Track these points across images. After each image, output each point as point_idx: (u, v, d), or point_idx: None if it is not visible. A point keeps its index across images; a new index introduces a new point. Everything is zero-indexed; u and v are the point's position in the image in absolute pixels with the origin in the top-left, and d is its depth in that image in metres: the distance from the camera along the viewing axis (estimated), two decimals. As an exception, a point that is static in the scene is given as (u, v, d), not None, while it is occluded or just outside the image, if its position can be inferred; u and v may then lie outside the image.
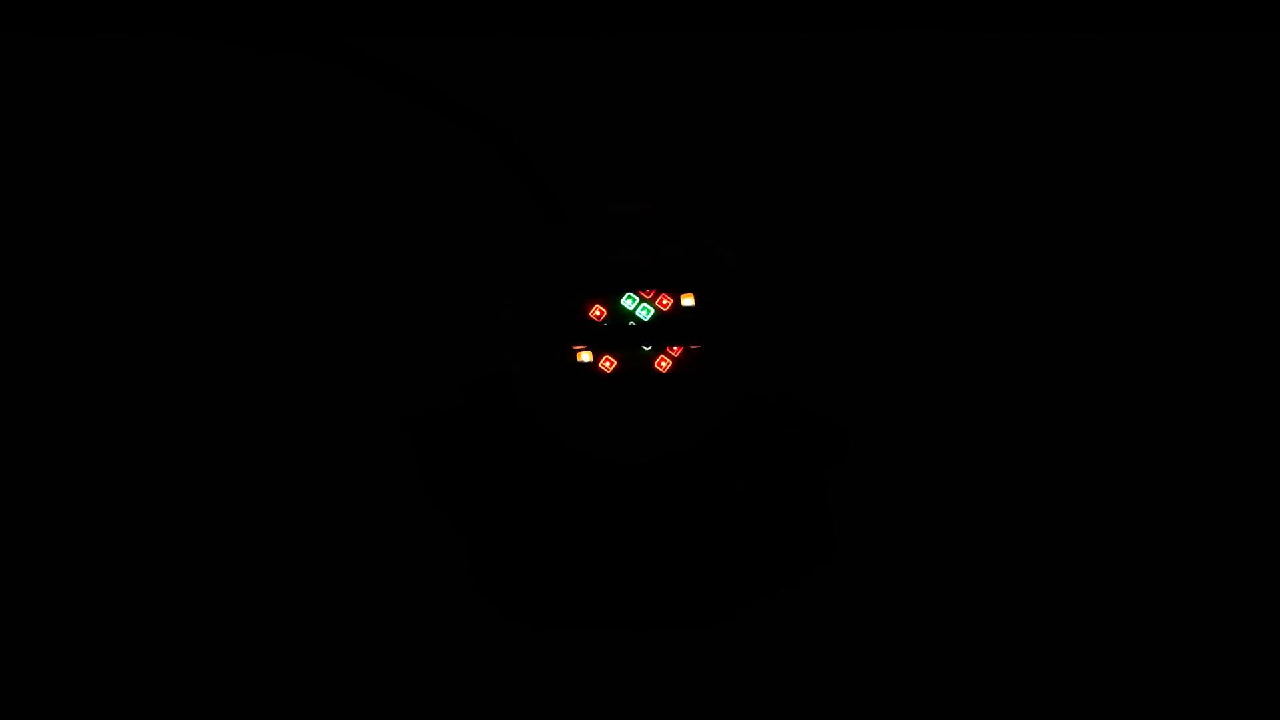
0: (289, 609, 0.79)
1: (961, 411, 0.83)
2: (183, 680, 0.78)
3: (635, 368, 0.78)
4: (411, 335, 0.83)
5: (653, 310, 0.78)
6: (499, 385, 0.80)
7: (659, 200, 0.82)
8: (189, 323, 0.84)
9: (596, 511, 0.80)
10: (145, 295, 0.84)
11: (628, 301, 0.78)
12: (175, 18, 0.86)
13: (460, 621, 0.79)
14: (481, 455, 0.80)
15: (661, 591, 0.79)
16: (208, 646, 0.79)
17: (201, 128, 0.86)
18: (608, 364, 0.78)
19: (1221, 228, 0.86)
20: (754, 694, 0.78)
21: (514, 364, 0.78)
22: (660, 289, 0.78)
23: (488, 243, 0.84)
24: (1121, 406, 0.83)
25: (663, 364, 0.78)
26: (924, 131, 0.87)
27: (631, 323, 0.78)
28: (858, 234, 0.86)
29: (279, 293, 0.84)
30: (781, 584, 0.80)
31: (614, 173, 0.86)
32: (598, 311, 0.78)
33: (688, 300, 0.78)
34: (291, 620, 0.79)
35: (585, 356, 0.78)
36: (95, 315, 0.84)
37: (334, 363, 0.83)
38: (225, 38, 0.86)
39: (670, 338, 0.78)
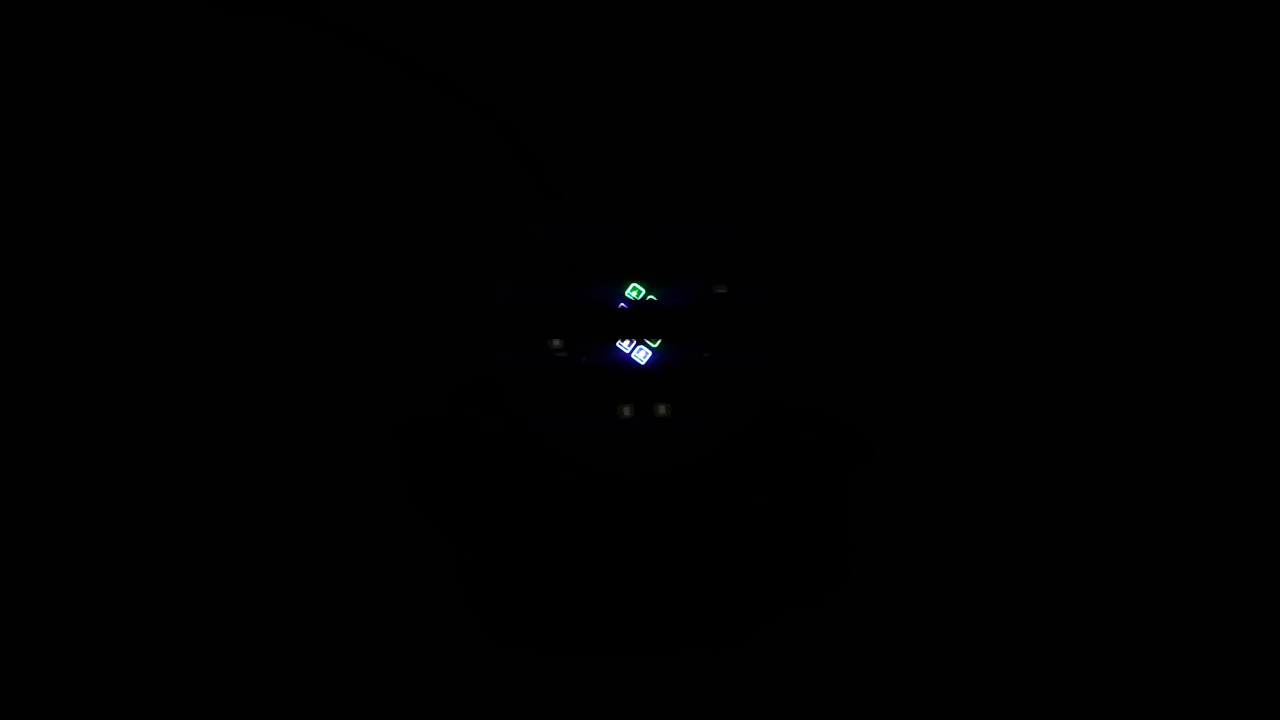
0: (259, 632, 0.76)
1: (1002, 416, 0.81)
2: (142, 708, 0.75)
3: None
4: (393, 331, 0.81)
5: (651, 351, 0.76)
6: (489, 385, 0.77)
7: (665, 184, 0.80)
8: (148, 317, 0.81)
9: (597, 525, 0.77)
10: (105, 286, 0.82)
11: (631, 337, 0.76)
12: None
13: (446, 647, 0.76)
14: (470, 462, 0.77)
15: (669, 615, 0.76)
16: (168, 675, 0.76)
17: (156, 103, 0.83)
18: (626, 410, 0.75)
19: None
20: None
21: (506, 372, 0.75)
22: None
23: (477, 229, 0.82)
24: (1183, 409, 0.81)
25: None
26: (966, 124, 0.85)
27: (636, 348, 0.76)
28: (888, 220, 0.84)
29: (248, 284, 0.82)
30: (801, 606, 0.77)
31: (616, 153, 0.84)
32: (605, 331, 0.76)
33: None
34: (262, 645, 0.76)
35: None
36: (53, 308, 0.81)
37: (308, 362, 0.81)
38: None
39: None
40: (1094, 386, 0.81)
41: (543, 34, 0.85)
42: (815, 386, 0.80)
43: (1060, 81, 0.85)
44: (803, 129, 0.84)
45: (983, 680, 0.76)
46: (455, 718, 0.75)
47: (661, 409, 0.75)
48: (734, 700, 0.76)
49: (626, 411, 0.75)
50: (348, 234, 0.82)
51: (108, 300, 0.81)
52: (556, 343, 0.75)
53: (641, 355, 0.76)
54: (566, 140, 0.83)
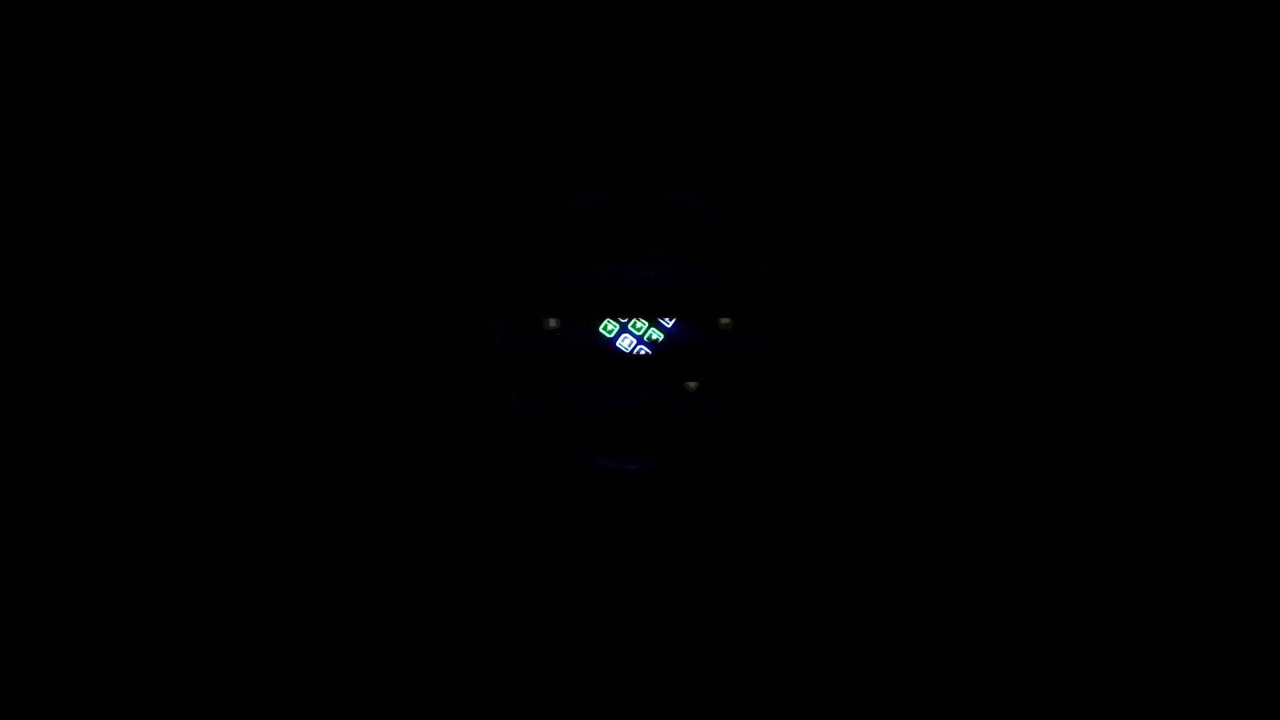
0: (259, 631, 0.76)
1: (1002, 416, 0.80)
2: (143, 707, 0.75)
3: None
4: (393, 331, 0.80)
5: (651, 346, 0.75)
6: (490, 386, 0.77)
7: (667, 186, 0.79)
8: (149, 317, 0.81)
9: (597, 525, 0.77)
10: (106, 287, 0.81)
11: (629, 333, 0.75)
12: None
13: (446, 647, 0.76)
14: (471, 463, 0.77)
15: (669, 614, 0.76)
16: (169, 675, 0.75)
17: (156, 103, 0.83)
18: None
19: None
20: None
21: (509, 381, 0.75)
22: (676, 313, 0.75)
23: (477, 230, 0.82)
24: (1181, 408, 0.80)
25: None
26: (965, 125, 0.84)
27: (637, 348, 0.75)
28: (888, 220, 0.83)
29: (248, 284, 0.81)
30: (801, 606, 0.77)
31: (616, 153, 0.83)
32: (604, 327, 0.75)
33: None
34: (263, 644, 0.76)
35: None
36: (54, 309, 0.81)
37: (309, 362, 0.80)
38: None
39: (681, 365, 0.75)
40: (1093, 386, 0.81)
41: (543, 34, 0.85)
42: (815, 386, 0.80)
43: (1060, 81, 0.85)
44: (803, 128, 0.84)
45: (983, 680, 0.76)
46: (455, 716, 0.75)
47: (691, 385, 0.75)
48: (735, 699, 0.75)
49: (691, 386, 0.74)
50: (348, 234, 0.82)
51: (108, 301, 0.81)
52: (552, 322, 0.75)
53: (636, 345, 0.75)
54: (566, 140, 0.82)
